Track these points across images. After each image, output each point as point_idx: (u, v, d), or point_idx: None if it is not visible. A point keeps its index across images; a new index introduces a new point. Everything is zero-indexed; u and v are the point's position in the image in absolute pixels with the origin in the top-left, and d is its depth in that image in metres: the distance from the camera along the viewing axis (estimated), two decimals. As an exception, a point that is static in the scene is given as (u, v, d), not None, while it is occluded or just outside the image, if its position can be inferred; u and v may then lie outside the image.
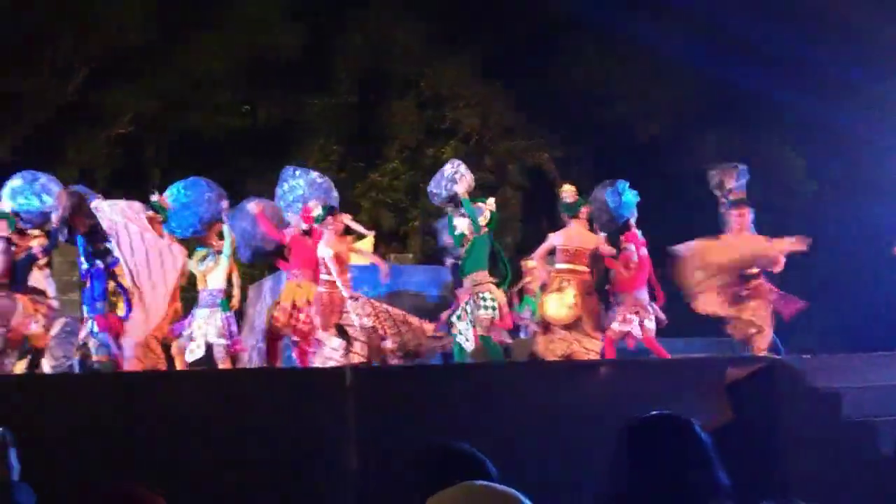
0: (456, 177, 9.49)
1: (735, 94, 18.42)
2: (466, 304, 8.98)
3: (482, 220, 9.08)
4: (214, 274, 8.94)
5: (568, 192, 9.42)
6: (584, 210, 9.14)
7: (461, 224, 9.27)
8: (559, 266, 9.02)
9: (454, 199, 9.50)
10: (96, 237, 8.57)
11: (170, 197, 9.20)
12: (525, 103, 19.53)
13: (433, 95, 19.64)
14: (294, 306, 8.86)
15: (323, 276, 8.56)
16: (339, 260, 8.54)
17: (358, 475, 5.39)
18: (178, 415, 6.06)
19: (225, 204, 9.30)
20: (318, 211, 9.19)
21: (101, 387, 6.61)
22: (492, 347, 8.92)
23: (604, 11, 17.77)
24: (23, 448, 2.89)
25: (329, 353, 8.42)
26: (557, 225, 9.69)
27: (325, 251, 8.66)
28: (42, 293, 8.86)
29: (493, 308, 8.84)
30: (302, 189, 9.73)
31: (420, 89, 19.68)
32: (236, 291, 9.27)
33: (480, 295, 8.86)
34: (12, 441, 2.84)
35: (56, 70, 17.18)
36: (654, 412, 2.37)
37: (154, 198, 8.99)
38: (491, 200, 9.45)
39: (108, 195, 15.97)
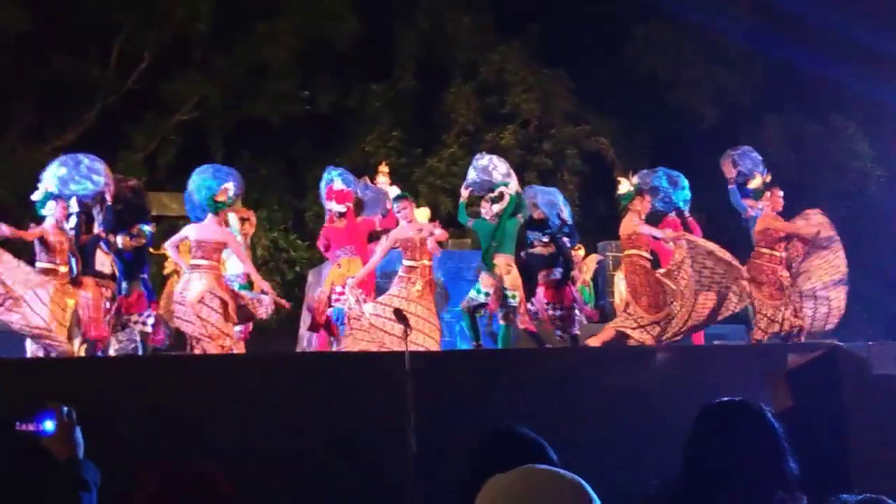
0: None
1: (800, 79, 18.09)
2: None
3: (500, 205, 9.19)
4: (231, 259, 9.07)
5: (621, 183, 9.38)
6: (636, 200, 9.01)
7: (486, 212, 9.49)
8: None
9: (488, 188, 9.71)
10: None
11: (192, 183, 9.25)
12: (584, 89, 19.38)
13: (493, 81, 19.57)
14: (332, 286, 8.90)
15: (405, 262, 8.33)
16: (411, 246, 8.27)
17: (417, 458, 5.42)
18: (241, 397, 6.14)
19: (229, 193, 9.25)
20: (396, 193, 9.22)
21: (165, 369, 6.73)
22: (469, 331, 9.12)
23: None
24: (88, 429, 2.95)
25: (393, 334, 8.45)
26: (614, 210, 9.66)
27: (389, 236, 8.66)
28: (107, 276, 8.91)
29: (487, 293, 8.92)
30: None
31: (480, 74, 19.62)
32: (255, 276, 9.21)
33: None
34: (76, 420, 2.90)
35: (122, 58, 17.48)
36: (727, 398, 2.34)
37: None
38: (513, 184, 9.43)
39: (169, 181, 16.36)
